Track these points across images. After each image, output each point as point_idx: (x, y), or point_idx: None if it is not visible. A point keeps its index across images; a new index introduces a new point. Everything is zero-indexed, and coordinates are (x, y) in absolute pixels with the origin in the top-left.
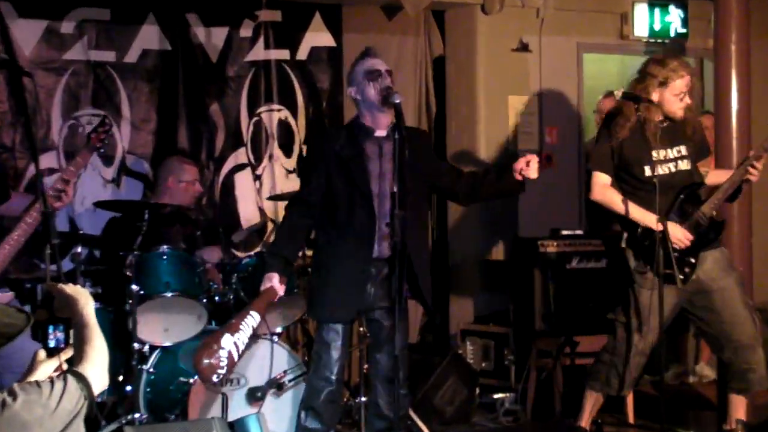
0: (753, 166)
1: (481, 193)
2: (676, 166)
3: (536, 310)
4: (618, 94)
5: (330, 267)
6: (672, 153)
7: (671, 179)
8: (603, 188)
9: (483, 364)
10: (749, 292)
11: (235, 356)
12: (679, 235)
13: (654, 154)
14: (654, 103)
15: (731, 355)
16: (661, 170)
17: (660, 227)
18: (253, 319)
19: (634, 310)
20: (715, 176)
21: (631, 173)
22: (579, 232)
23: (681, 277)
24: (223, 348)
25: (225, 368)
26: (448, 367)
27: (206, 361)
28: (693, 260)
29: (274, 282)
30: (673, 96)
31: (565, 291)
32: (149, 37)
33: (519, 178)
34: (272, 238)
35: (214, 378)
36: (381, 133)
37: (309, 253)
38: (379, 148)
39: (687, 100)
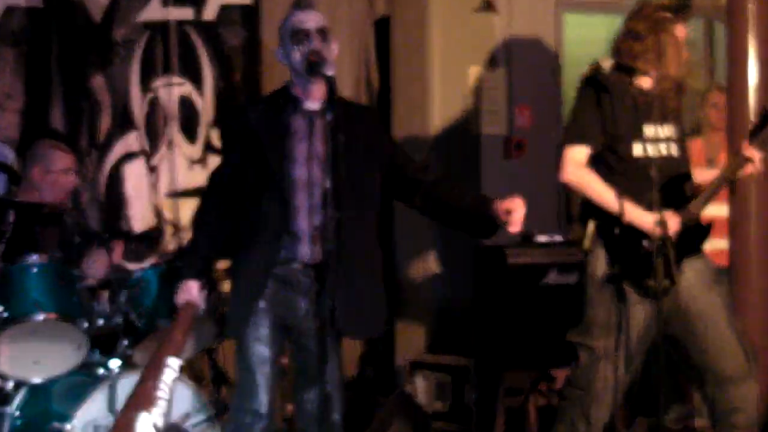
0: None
1: (442, 218)
2: (666, 149)
3: (504, 336)
4: (607, 65)
5: (238, 272)
6: (663, 131)
7: (658, 166)
8: (577, 166)
9: (437, 405)
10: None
11: None
12: (674, 225)
13: (646, 129)
14: (648, 71)
15: (714, 390)
16: (651, 151)
17: (657, 229)
18: (171, 371)
19: (603, 329)
20: (701, 174)
21: (615, 151)
22: (558, 238)
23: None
24: None
25: None
26: (392, 409)
27: None
28: (676, 271)
29: (193, 293)
30: (672, 50)
31: (540, 312)
32: None
33: (500, 219)
34: (175, 243)
35: None
36: (312, 105)
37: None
38: (309, 124)
39: (684, 53)
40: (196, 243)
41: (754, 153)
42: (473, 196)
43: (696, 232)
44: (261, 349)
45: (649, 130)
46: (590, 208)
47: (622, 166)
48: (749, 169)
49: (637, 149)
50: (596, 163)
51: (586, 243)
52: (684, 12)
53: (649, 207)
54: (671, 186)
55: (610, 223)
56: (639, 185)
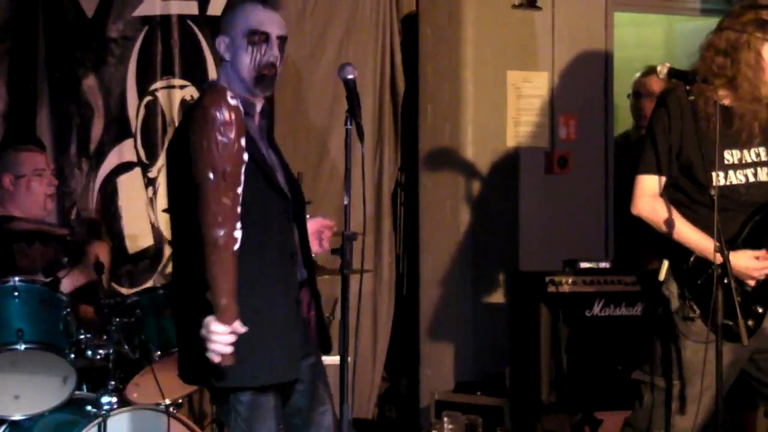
0: None
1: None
2: (755, 175)
3: (543, 374)
4: (662, 70)
5: (257, 308)
6: (750, 156)
7: (746, 193)
8: (651, 199)
9: None
10: None
11: None
12: (748, 265)
13: (727, 155)
14: (718, 81)
15: None
16: (735, 179)
17: (719, 258)
18: None
19: (675, 369)
20: None
21: (694, 180)
22: (605, 265)
23: (744, 330)
24: None
25: None
26: None
27: None
28: (761, 309)
29: None
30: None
31: (584, 347)
32: None
33: (312, 245)
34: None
35: None
36: (259, 104)
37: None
38: (260, 129)
39: None
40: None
41: None
42: None
43: None
44: (272, 417)
45: (730, 155)
46: (664, 244)
47: (700, 196)
48: None
49: (719, 179)
50: (675, 191)
51: (662, 275)
52: None
53: (731, 242)
54: (763, 215)
55: (684, 257)
56: (722, 216)
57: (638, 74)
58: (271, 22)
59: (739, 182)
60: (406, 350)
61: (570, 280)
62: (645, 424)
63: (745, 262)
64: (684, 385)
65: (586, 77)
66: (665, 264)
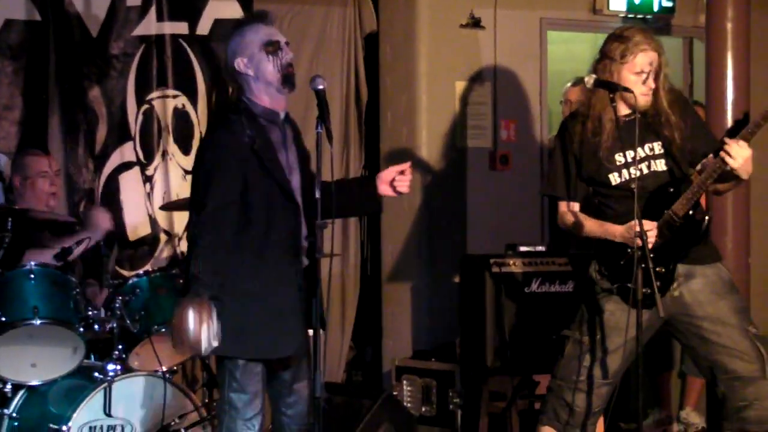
0: (726, 151)
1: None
2: (648, 167)
3: (488, 342)
4: (589, 81)
5: (259, 292)
6: (643, 151)
7: (642, 184)
8: (561, 216)
9: (423, 409)
10: None
11: None
12: (630, 232)
13: (618, 157)
14: (631, 90)
15: (726, 389)
16: (628, 175)
17: (639, 242)
18: None
19: (596, 325)
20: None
21: (599, 183)
22: (540, 248)
23: (660, 302)
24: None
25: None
26: (379, 413)
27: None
28: (663, 270)
29: None
30: (633, 75)
31: (524, 320)
32: (13, 4)
33: (386, 192)
34: (168, 251)
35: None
36: (282, 115)
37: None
38: (282, 135)
39: (650, 83)
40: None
41: (733, 149)
42: (358, 181)
43: (688, 227)
44: (258, 380)
45: (621, 157)
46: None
47: (610, 194)
48: (730, 163)
49: (614, 178)
50: (591, 195)
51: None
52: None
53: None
54: (659, 197)
55: (606, 249)
56: (629, 207)
57: (568, 84)
58: (276, 33)
59: (634, 176)
60: (371, 323)
61: (511, 262)
62: (567, 371)
63: (625, 231)
64: (602, 339)
65: (524, 87)
66: (593, 265)
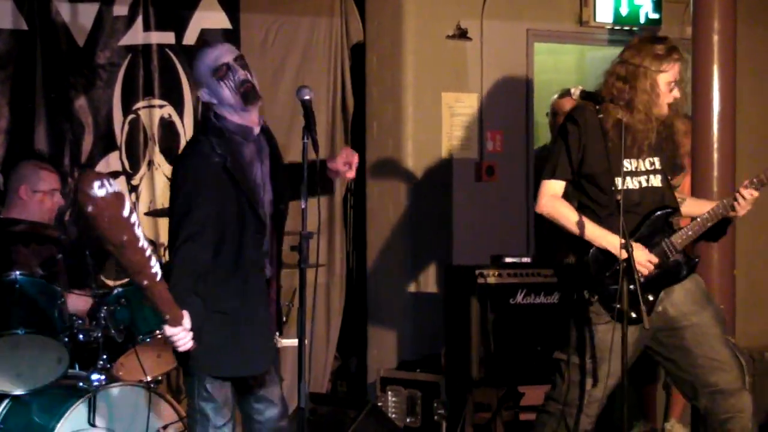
0: (741, 196)
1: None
2: (647, 181)
3: (473, 354)
4: (575, 92)
5: (227, 311)
6: (644, 165)
7: (639, 197)
8: (552, 199)
9: (408, 420)
10: (731, 332)
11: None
12: (642, 258)
13: (626, 163)
14: (619, 103)
15: (708, 402)
16: (630, 184)
17: (624, 254)
18: None
19: (589, 349)
20: (692, 206)
21: (597, 184)
22: (526, 259)
23: (633, 315)
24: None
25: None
26: (364, 423)
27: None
28: (651, 297)
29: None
30: (665, 86)
31: (509, 331)
32: (0, 13)
33: (333, 175)
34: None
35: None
36: (256, 130)
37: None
38: (257, 149)
39: (676, 93)
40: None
41: (747, 193)
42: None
43: (682, 264)
44: (227, 388)
45: (629, 164)
46: (566, 240)
47: (603, 198)
48: (740, 210)
49: (618, 183)
50: (579, 194)
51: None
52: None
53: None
54: (656, 216)
55: (584, 253)
56: (616, 220)
57: (555, 96)
58: (223, 54)
59: (634, 187)
60: (356, 333)
61: (496, 273)
62: (569, 397)
63: (639, 255)
64: (596, 363)
65: (510, 98)
66: (571, 259)
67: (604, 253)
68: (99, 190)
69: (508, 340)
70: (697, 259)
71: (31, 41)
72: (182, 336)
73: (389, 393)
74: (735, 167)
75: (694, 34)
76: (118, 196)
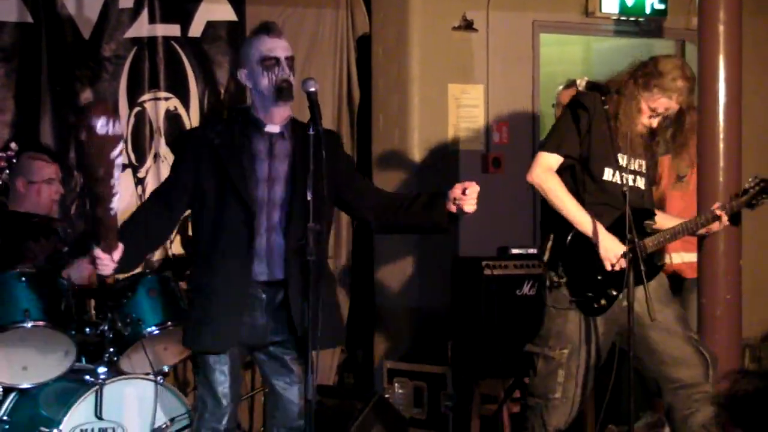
0: (724, 216)
1: (398, 224)
2: (633, 181)
3: (480, 345)
4: (581, 83)
5: (202, 287)
6: (633, 164)
7: (621, 194)
8: (546, 171)
9: (414, 411)
10: (736, 325)
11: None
12: (617, 252)
13: (620, 157)
14: (623, 95)
15: (671, 398)
16: (620, 179)
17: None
18: None
19: (560, 340)
20: (662, 219)
21: (589, 170)
22: (532, 251)
23: (595, 306)
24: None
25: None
26: (371, 415)
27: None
28: (614, 292)
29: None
30: (648, 106)
31: (515, 322)
32: (5, 6)
33: (452, 209)
34: (160, 253)
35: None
36: (273, 128)
37: None
38: (269, 146)
39: (653, 122)
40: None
41: (723, 213)
42: (425, 198)
43: (647, 267)
44: (220, 370)
45: (621, 159)
46: (550, 222)
47: (591, 186)
48: (715, 226)
49: (608, 173)
50: (569, 175)
51: (546, 256)
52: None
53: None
54: (634, 215)
55: (564, 234)
56: (603, 207)
57: (561, 87)
58: (277, 48)
59: (620, 183)
60: (363, 325)
61: (503, 264)
62: (542, 390)
63: (611, 244)
64: (571, 352)
65: (516, 89)
66: (549, 243)
67: (582, 238)
68: (101, 127)
69: (514, 332)
70: (661, 264)
71: (37, 34)
72: (106, 263)
73: (396, 385)
74: (741, 157)
75: (700, 24)
76: (114, 139)
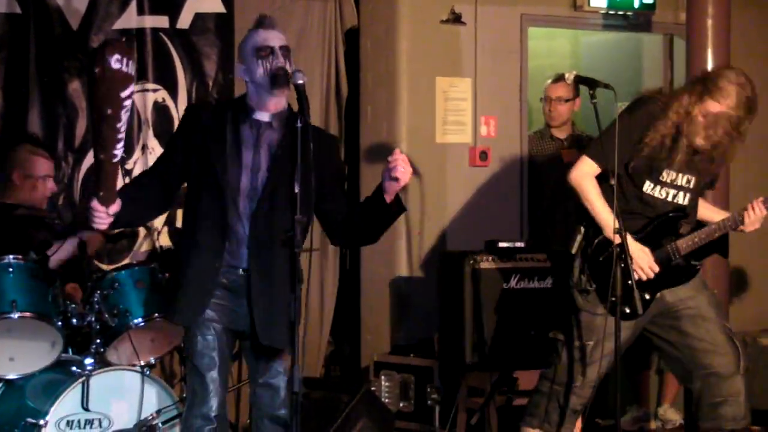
0: (752, 210)
1: (354, 230)
2: (675, 197)
3: (466, 339)
4: (569, 77)
5: (180, 261)
6: (681, 180)
7: (662, 207)
8: (584, 175)
9: (401, 404)
10: (724, 317)
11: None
12: (644, 263)
13: (666, 173)
14: (611, 87)
15: (701, 385)
16: (659, 193)
17: (617, 239)
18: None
19: (585, 332)
20: (704, 210)
21: (631, 179)
22: (520, 244)
23: (627, 311)
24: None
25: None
26: (358, 408)
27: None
28: (648, 297)
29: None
30: (702, 119)
31: (502, 316)
32: None
33: (391, 187)
34: (148, 244)
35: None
36: (262, 117)
37: None
38: (256, 134)
39: (714, 136)
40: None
41: (758, 209)
42: (369, 197)
43: (684, 269)
44: (208, 356)
45: (667, 174)
46: (583, 217)
47: (631, 194)
48: (748, 225)
49: (648, 186)
50: (609, 179)
51: (574, 248)
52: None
53: (635, 233)
54: (664, 219)
55: (594, 234)
56: (636, 216)
57: (549, 81)
58: (271, 38)
59: (661, 197)
60: (349, 318)
61: (490, 258)
62: (564, 377)
63: (641, 259)
64: (591, 345)
65: (504, 83)
66: (580, 235)
67: (611, 243)
68: (115, 63)
69: (501, 325)
70: (698, 266)
71: (25, 25)
72: (102, 216)
73: (383, 377)
74: None
75: (689, 18)
76: (126, 77)
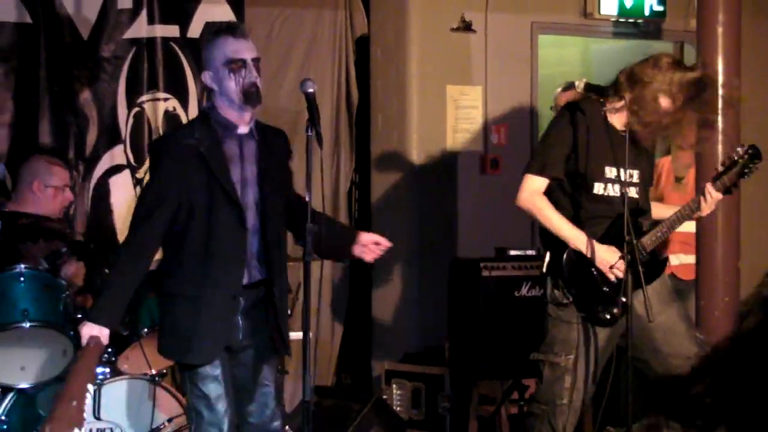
0: (709, 194)
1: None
2: (627, 193)
3: (478, 346)
4: (580, 85)
5: (190, 296)
6: (624, 175)
7: (618, 204)
8: (533, 194)
9: (412, 413)
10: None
11: None
12: (613, 260)
13: (608, 171)
14: (624, 101)
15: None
16: (612, 191)
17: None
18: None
19: (565, 346)
20: (659, 210)
21: (577, 184)
22: (530, 252)
23: (607, 317)
24: None
25: None
26: (369, 416)
27: None
28: (624, 299)
29: (103, 338)
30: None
31: (513, 324)
32: (4, 6)
33: (357, 252)
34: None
35: None
36: (243, 130)
37: None
38: (239, 148)
39: (645, 116)
40: (116, 286)
41: (712, 193)
42: (339, 229)
43: (651, 266)
44: (217, 383)
45: (611, 171)
46: (547, 239)
47: (585, 200)
48: (705, 209)
49: (598, 188)
50: (561, 192)
51: (544, 267)
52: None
53: (600, 239)
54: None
55: (560, 252)
56: (597, 220)
57: (559, 89)
58: (243, 49)
59: (615, 195)
60: (361, 326)
61: (501, 266)
62: (549, 396)
63: (605, 254)
64: (576, 358)
65: (515, 91)
66: (547, 257)
67: (578, 254)
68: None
69: (512, 333)
70: (665, 258)
71: (35, 34)
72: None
73: (394, 386)
74: None
75: (699, 26)
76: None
